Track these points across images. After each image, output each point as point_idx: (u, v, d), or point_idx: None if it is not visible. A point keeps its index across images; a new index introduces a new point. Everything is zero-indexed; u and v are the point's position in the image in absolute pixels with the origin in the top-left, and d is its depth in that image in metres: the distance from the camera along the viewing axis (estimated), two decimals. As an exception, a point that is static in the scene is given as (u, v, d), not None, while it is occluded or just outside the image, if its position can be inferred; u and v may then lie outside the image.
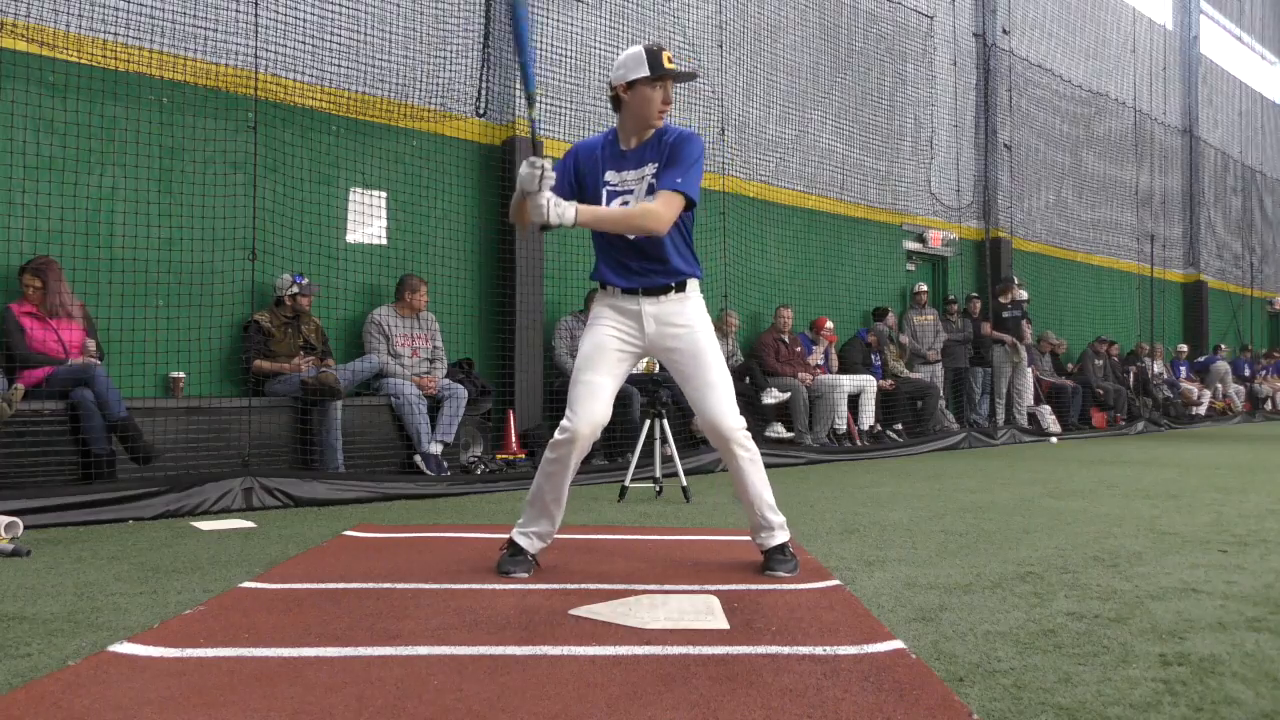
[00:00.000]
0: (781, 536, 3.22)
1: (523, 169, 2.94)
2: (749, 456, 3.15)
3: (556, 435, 3.10)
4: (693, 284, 3.21)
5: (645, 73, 3.05)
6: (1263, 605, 2.73)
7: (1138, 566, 3.31)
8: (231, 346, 6.07)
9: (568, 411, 3.11)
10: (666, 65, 3.07)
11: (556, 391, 7.22)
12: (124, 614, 2.65)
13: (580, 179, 3.20)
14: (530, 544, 3.20)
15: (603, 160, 3.19)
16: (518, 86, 7.35)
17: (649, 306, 3.16)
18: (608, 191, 3.16)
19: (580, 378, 3.13)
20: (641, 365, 5.99)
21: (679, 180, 3.03)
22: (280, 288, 6.08)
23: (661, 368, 7.64)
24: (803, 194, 10.06)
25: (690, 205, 3.07)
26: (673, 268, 3.16)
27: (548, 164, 2.95)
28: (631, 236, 3.13)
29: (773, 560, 3.18)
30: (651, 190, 3.10)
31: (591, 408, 3.08)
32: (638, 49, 3.10)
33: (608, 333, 3.18)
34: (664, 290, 3.16)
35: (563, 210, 2.91)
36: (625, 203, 3.14)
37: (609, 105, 3.25)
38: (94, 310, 5.36)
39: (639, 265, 3.15)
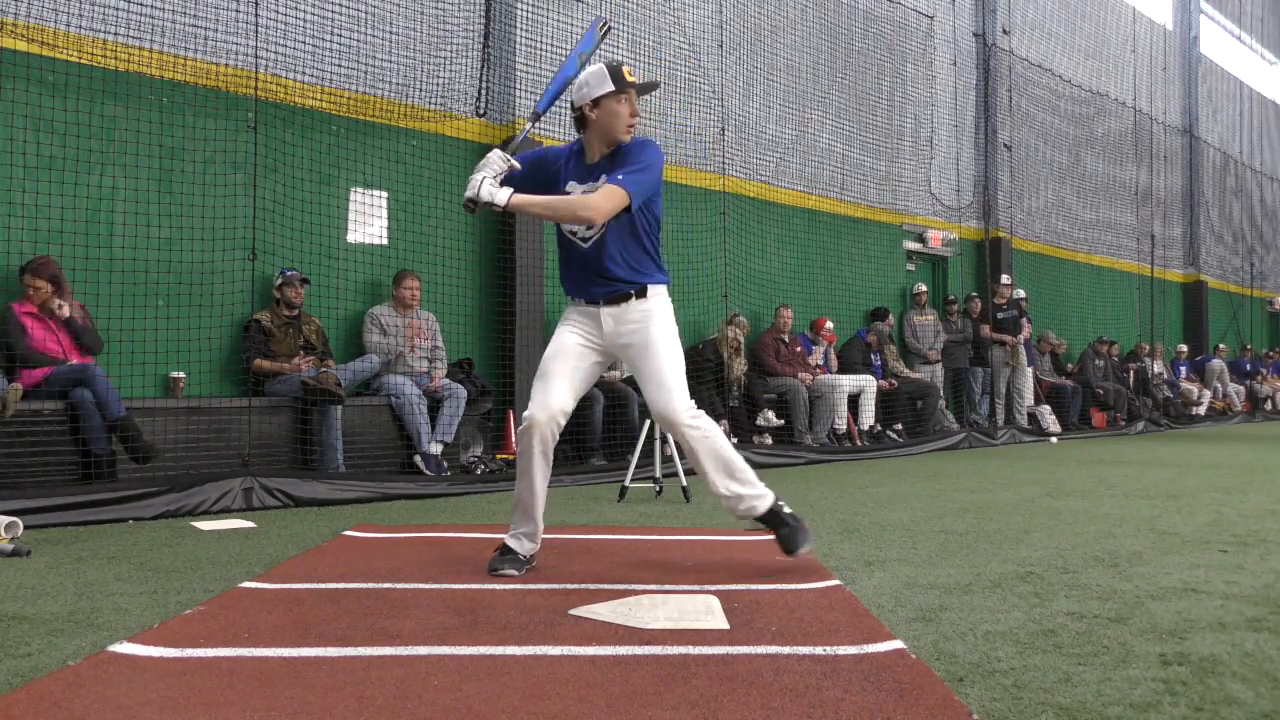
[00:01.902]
0: (757, 504, 3.15)
1: (494, 153, 3.04)
2: (700, 433, 3.12)
3: (520, 427, 3.17)
4: (654, 289, 3.20)
5: (610, 88, 3.07)
6: (1263, 605, 2.73)
7: (1138, 566, 3.31)
8: (231, 346, 6.06)
9: (530, 402, 3.17)
10: (629, 79, 3.10)
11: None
12: (124, 614, 2.65)
13: (545, 182, 3.20)
14: (520, 545, 3.22)
15: (566, 170, 3.21)
16: (519, 88, 7.35)
17: (607, 310, 3.19)
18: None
19: (540, 369, 3.21)
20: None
21: (620, 176, 3.03)
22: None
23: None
24: (803, 194, 10.06)
25: (628, 204, 3.02)
26: (626, 279, 3.16)
27: (513, 165, 3.07)
28: (583, 245, 3.16)
29: (779, 537, 3.13)
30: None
31: (545, 397, 3.12)
32: (598, 67, 3.12)
33: (569, 329, 3.24)
34: (624, 298, 3.18)
35: (494, 192, 2.96)
36: None
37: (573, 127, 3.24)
38: (94, 310, 5.36)
39: (594, 279, 3.18)
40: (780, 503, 3.18)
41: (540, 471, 3.14)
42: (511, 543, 3.22)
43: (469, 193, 2.97)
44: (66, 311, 5.06)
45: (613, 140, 3.14)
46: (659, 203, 3.24)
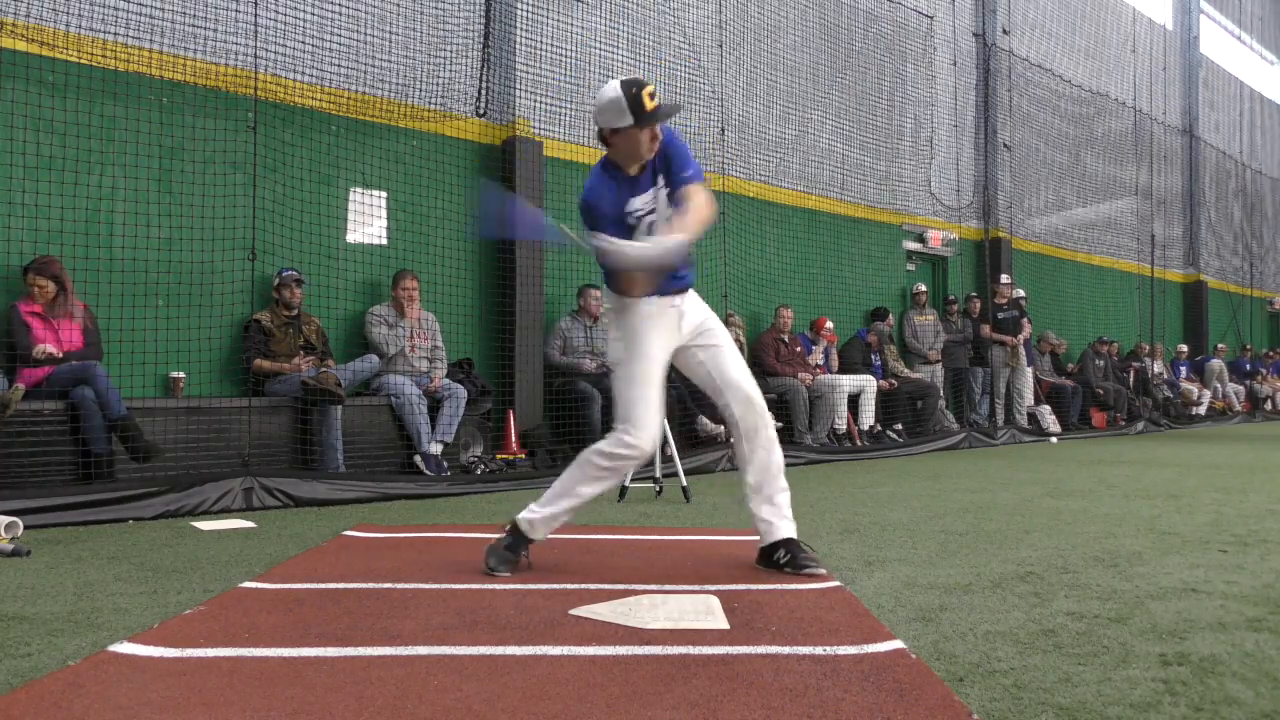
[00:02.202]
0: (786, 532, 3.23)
1: (672, 247, 2.92)
2: (771, 434, 3.21)
3: (617, 449, 3.03)
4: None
5: (628, 122, 2.98)
6: (1263, 605, 2.73)
7: (1138, 566, 3.31)
8: (231, 346, 6.06)
9: (628, 426, 3.03)
10: (649, 107, 2.98)
11: (557, 391, 7.22)
12: (124, 614, 2.65)
13: (607, 218, 3.11)
14: (533, 531, 3.17)
15: (615, 193, 3.12)
16: (519, 88, 7.35)
17: (680, 304, 3.21)
18: (637, 217, 3.12)
19: (637, 392, 3.07)
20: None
21: (688, 173, 3.06)
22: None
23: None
24: (803, 194, 10.06)
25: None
26: (686, 271, 3.22)
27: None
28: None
29: (797, 557, 3.15)
30: (669, 197, 3.12)
31: (654, 425, 3.06)
32: (615, 94, 2.97)
33: (657, 340, 3.13)
34: (686, 289, 3.24)
35: (678, 242, 2.90)
36: (653, 221, 3.12)
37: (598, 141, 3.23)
38: (94, 310, 5.36)
39: (667, 276, 3.14)
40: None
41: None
42: (524, 526, 3.16)
43: (678, 259, 2.92)
44: (58, 353, 5.02)
45: (639, 160, 3.10)
46: None
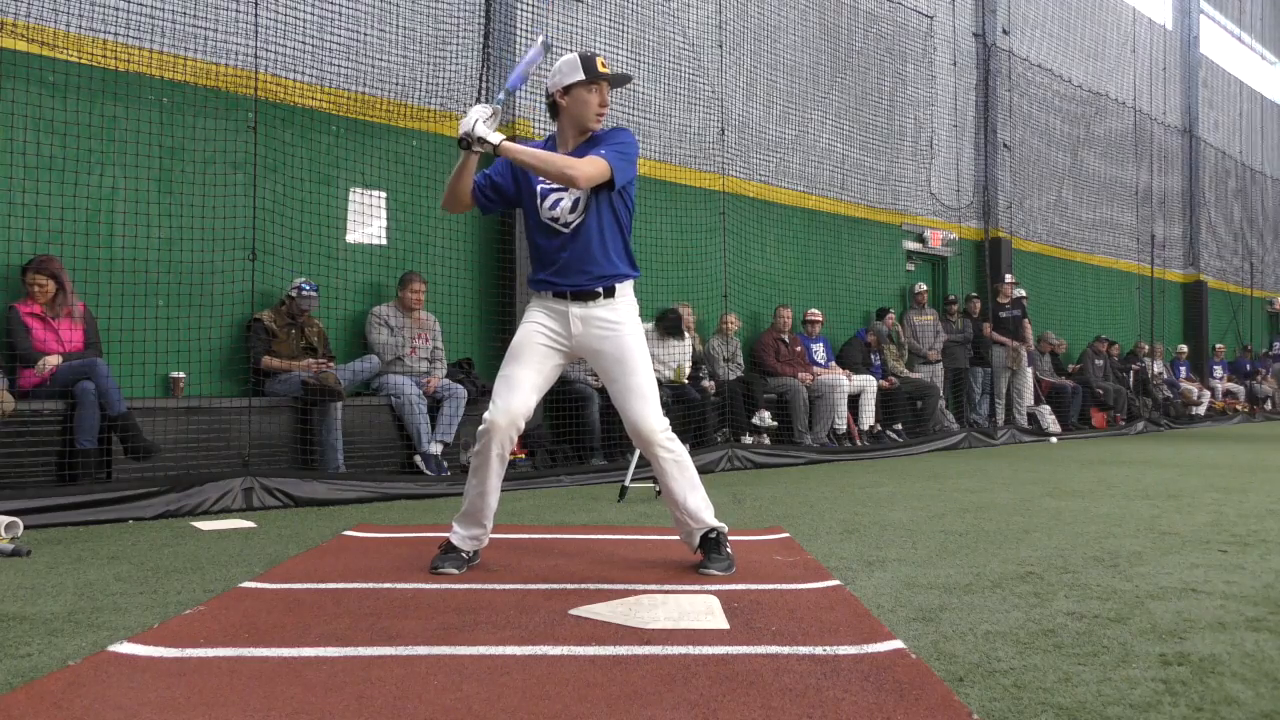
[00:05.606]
0: (722, 526, 3.27)
1: (479, 105, 3.06)
2: (672, 457, 3.21)
3: (479, 429, 3.15)
4: (623, 287, 3.24)
5: (580, 77, 3.14)
6: (1263, 605, 2.73)
7: (1138, 566, 3.31)
8: (232, 346, 6.06)
9: (489, 404, 3.16)
10: (601, 70, 3.15)
11: (555, 391, 7.22)
12: (124, 614, 2.65)
13: (517, 177, 3.25)
14: (464, 544, 3.23)
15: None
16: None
17: (576, 309, 3.19)
18: (542, 190, 3.20)
19: (502, 371, 3.20)
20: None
21: (603, 151, 3.10)
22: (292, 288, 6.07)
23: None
24: (803, 194, 10.06)
25: (611, 181, 3.09)
26: (603, 270, 3.19)
27: (497, 110, 3.09)
28: (564, 230, 3.17)
29: (708, 559, 3.21)
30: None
31: (508, 400, 3.13)
32: (572, 56, 3.18)
33: (534, 329, 3.23)
34: (592, 296, 3.19)
35: (488, 132, 2.98)
36: (559, 200, 3.18)
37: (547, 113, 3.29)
38: (94, 310, 5.36)
39: (568, 269, 3.17)
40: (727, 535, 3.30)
41: (496, 475, 3.17)
42: (455, 540, 3.24)
43: (463, 129, 2.98)
44: (59, 360, 5.01)
45: (583, 128, 3.20)
46: (633, 189, 3.29)
